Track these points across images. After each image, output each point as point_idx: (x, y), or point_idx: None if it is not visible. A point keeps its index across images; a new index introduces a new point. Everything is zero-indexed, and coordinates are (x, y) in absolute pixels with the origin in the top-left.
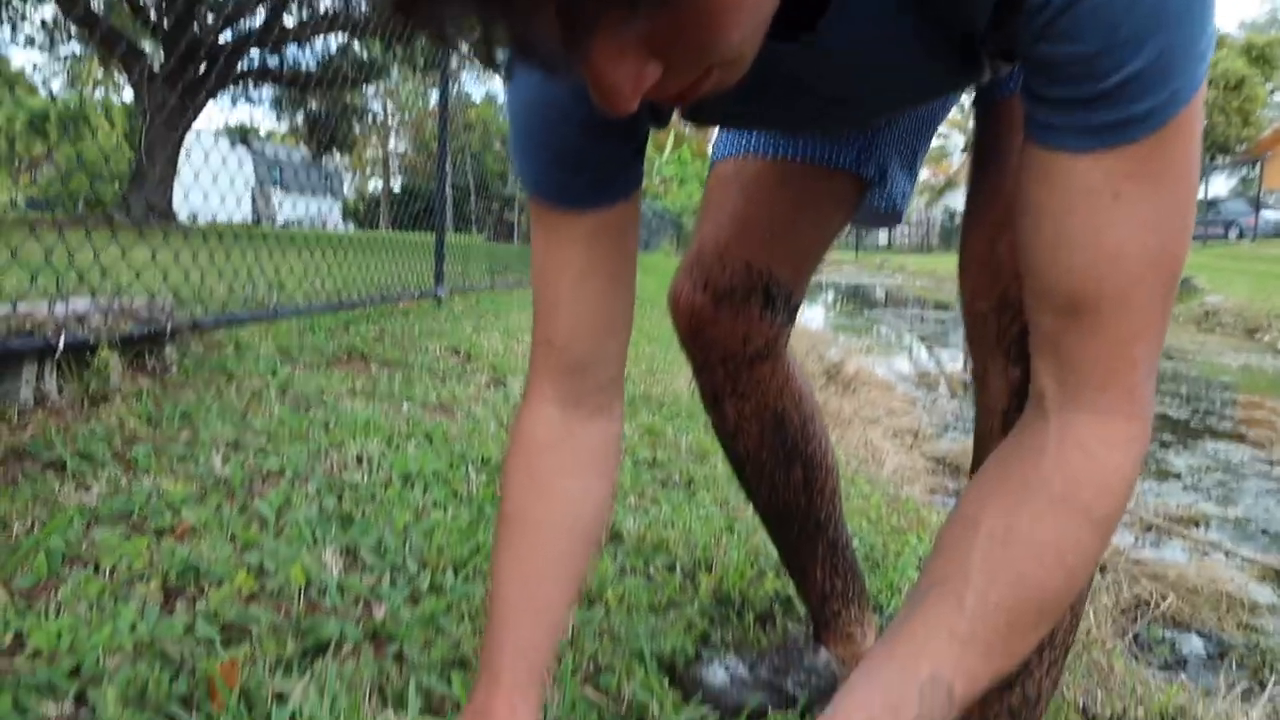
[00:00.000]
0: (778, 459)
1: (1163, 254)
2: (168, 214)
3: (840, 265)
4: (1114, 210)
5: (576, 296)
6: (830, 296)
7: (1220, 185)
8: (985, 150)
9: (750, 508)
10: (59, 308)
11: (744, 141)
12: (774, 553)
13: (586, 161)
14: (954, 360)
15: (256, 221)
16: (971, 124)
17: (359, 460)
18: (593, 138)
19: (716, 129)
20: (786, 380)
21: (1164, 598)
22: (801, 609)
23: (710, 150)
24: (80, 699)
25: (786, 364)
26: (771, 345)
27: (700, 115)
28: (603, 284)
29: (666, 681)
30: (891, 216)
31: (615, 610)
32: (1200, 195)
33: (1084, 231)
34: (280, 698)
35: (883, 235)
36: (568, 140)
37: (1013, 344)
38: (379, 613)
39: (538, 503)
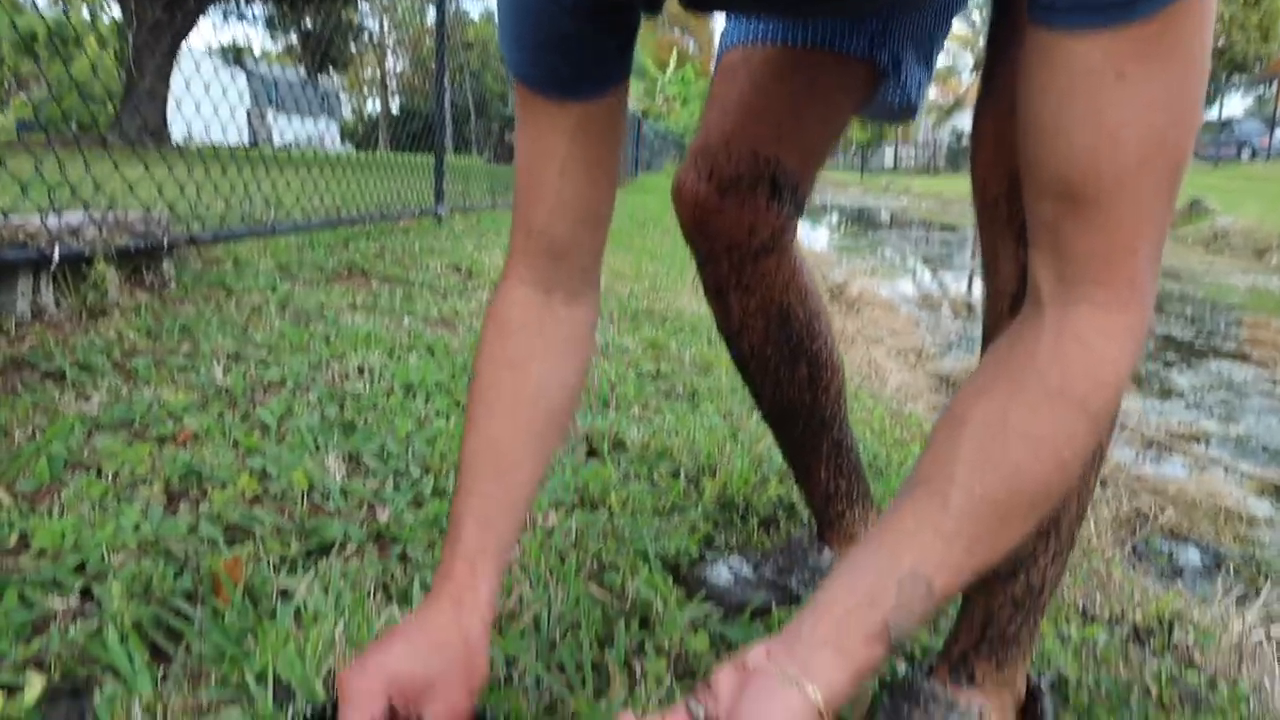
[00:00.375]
0: (782, 355)
1: (1165, 140)
2: (161, 134)
3: (845, 187)
4: (1116, 91)
5: (558, 186)
6: (834, 219)
7: (1235, 105)
8: (1002, 33)
9: (754, 418)
10: (51, 220)
11: (752, 29)
12: (778, 460)
13: (575, 48)
14: (958, 282)
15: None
16: (981, 42)
17: (360, 371)
18: (583, 22)
19: (723, 22)
20: (792, 275)
21: (1163, 510)
22: (805, 513)
23: (717, 43)
24: (86, 594)
25: (793, 259)
26: (778, 237)
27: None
28: (585, 175)
29: (670, 580)
30: (906, 111)
31: (619, 513)
32: (1214, 115)
33: (1085, 113)
34: (285, 594)
35: (888, 157)
36: (557, 24)
37: (1023, 227)
38: (383, 515)
39: (508, 378)
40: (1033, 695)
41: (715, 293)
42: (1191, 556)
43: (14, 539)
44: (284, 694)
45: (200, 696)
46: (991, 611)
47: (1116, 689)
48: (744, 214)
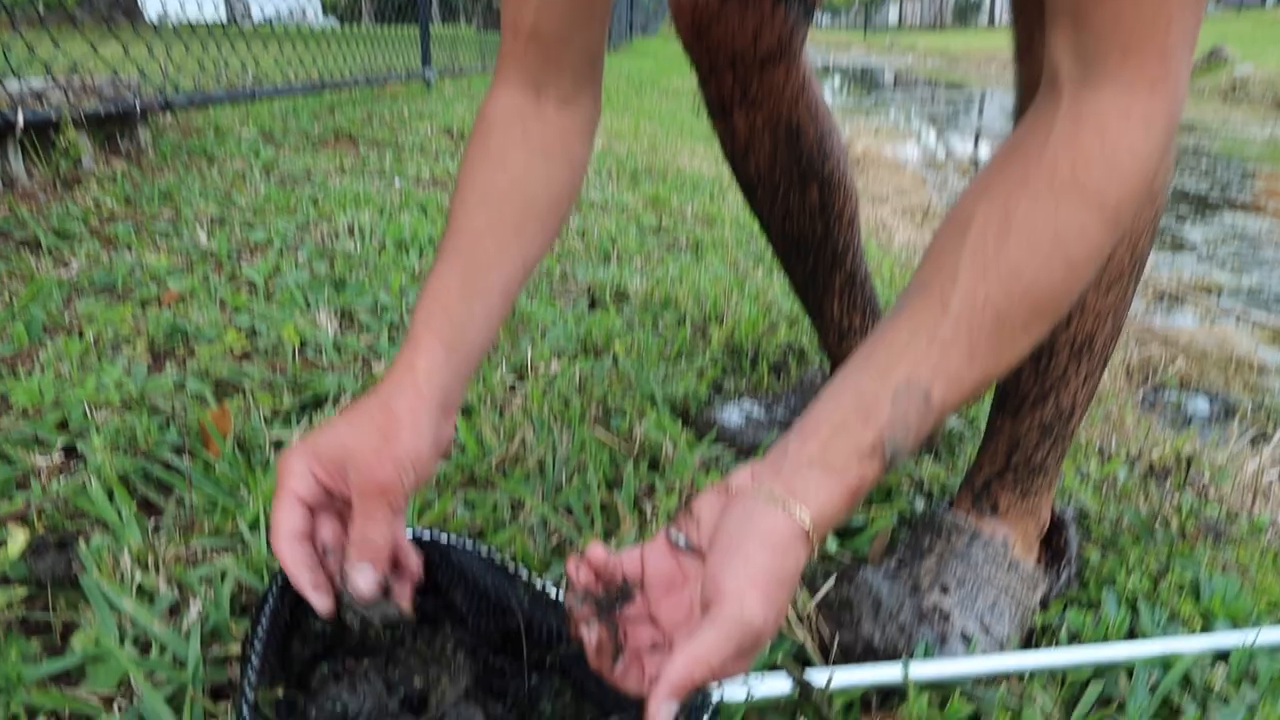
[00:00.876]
0: (792, 178)
1: None
2: (133, 12)
3: (847, 47)
4: None
5: None
6: (836, 81)
7: None
8: None
9: (760, 269)
10: (13, 84)
11: None
12: (787, 306)
13: None
14: (964, 141)
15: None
16: None
17: (350, 230)
18: None
19: None
20: (802, 88)
21: (1173, 360)
22: (818, 358)
23: None
24: (70, 451)
25: (802, 70)
26: (785, 45)
27: None
28: None
29: (680, 424)
30: None
31: (624, 360)
32: None
33: None
34: (278, 445)
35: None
36: None
37: None
38: (378, 368)
39: (484, 171)
40: (1056, 526)
41: (719, 110)
42: (1201, 405)
43: (15, 402)
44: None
45: (193, 545)
46: (1018, 438)
47: (1140, 520)
48: (748, 18)
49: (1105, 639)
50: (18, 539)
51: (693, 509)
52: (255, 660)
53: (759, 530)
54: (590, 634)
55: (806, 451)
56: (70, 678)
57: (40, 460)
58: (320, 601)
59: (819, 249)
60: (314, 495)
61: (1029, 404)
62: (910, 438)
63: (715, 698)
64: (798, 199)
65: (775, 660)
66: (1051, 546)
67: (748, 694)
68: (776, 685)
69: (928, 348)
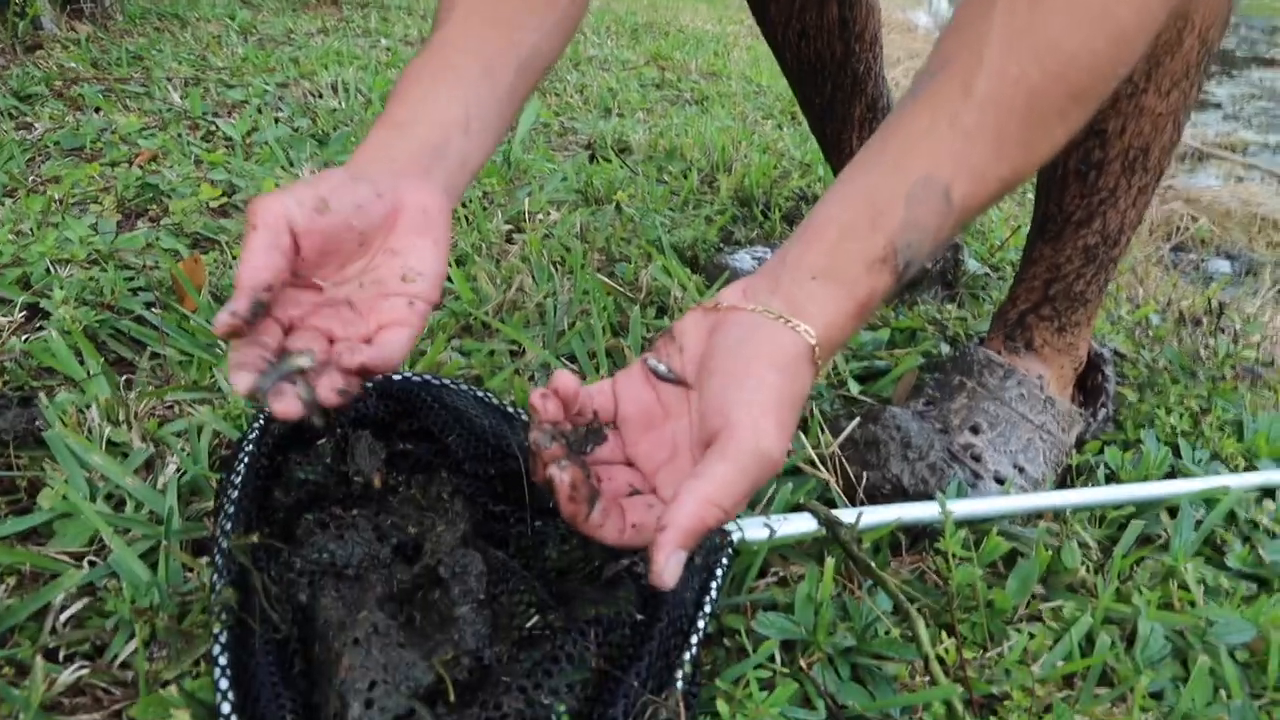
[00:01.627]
0: None
1: None
2: None
3: None
4: None
5: None
6: None
7: None
8: None
9: (770, 121)
10: None
11: None
12: (799, 154)
13: None
14: None
15: None
16: None
17: (334, 88)
18: None
19: None
20: None
21: (1195, 220)
22: None
23: None
24: (33, 309)
25: None
26: None
27: None
28: None
29: (688, 271)
30: None
31: (628, 208)
32: None
33: None
34: None
35: None
36: None
37: None
38: None
39: None
40: (1092, 364)
41: None
42: (1223, 265)
43: None
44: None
45: (167, 400)
46: (1058, 265)
47: (1178, 360)
48: None
49: (1145, 479)
50: None
51: (674, 332)
52: (230, 507)
53: (764, 351)
54: (561, 476)
55: (808, 261)
56: (39, 536)
57: (1, 319)
58: (243, 380)
59: (838, 73)
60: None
61: (1072, 226)
62: (927, 244)
63: (734, 537)
64: (815, 16)
65: (798, 499)
66: (1087, 386)
67: (770, 533)
68: (800, 525)
69: (948, 138)
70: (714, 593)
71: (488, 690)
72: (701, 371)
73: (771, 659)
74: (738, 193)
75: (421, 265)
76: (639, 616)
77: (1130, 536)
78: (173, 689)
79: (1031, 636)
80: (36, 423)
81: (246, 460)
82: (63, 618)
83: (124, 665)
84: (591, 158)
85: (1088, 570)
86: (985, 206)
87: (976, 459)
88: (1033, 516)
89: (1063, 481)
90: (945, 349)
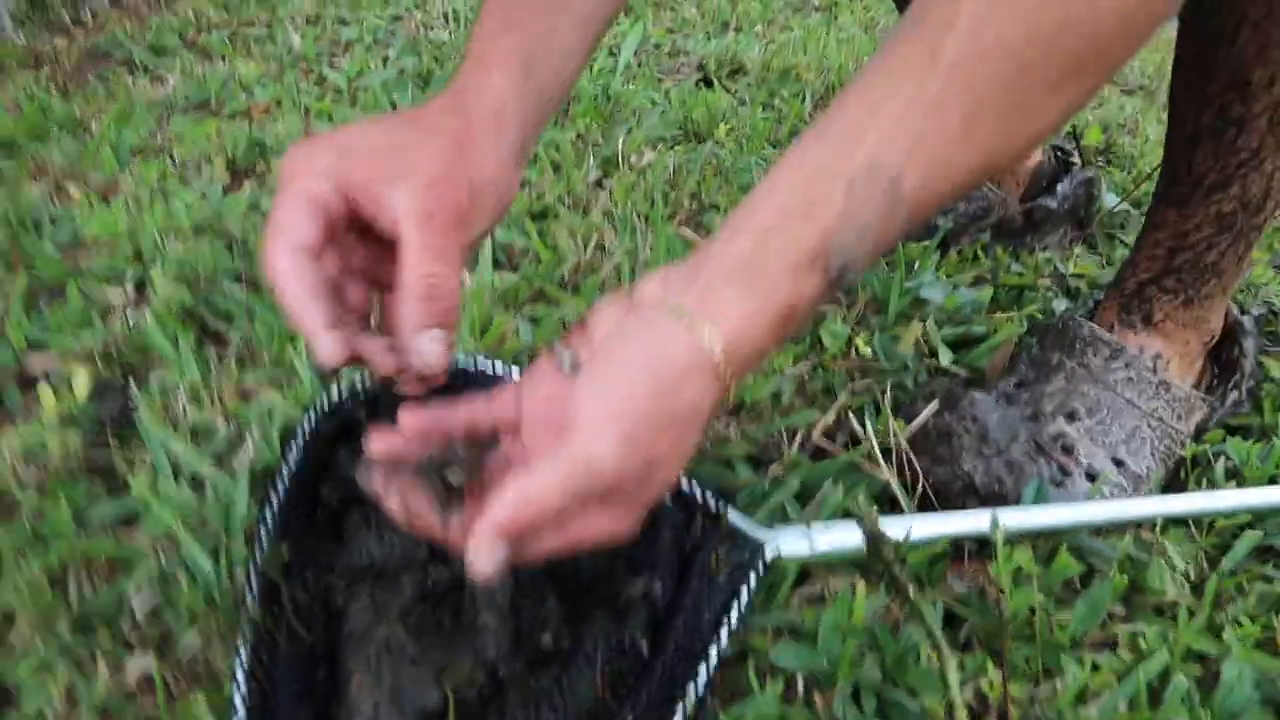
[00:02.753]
0: None
1: None
2: None
3: None
4: None
5: None
6: None
7: None
8: None
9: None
10: None
11: None
12: None
13: None
14: None
15: None
16: None
17: (445, 18)
18: None
19: None
20: None
21: None
22: None
23: None
24: (142, 285)
25: None
26: None
27: None
28: None
29: None
30: None
31: (726, 144)
32: None
33: None
34: None
35: None
36: None
37: None
38: None
39: None
40: (1229, 333)
41: None
42: None
43: (89, 233)
44: (333, 374)
45: (249, 379)
46: (1185, 233)
47: None
48: None
49: (1274, 478)
50: (82, 381)
51: (587, 322)
52: (268, 515)
53: (644, 353)
54: (390, 504)
55: (730, 254)
56: (130, 520)
57: (116, 296)
58: (330, 347)
59: None
60: (331, 211)
61: (1204, 190)
62: (868, 244)
63: (770, 553)
64: None
65: (847, 505)
66: (1221, 359)
67: (810, 547)
68: (842, 537)
69: (904, 115)
70: (733, 619)
71: (493, 715)
72: (587, 363)
73: (790, 694)
74: None
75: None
76: (643, 647)
77: (1240, 552)
78: (202, 700)
79: (1095, 669)
80: (131, 406)
81: (293, 463)
82: (138, 609)
83: (194, 658)
84: (704, 82)
85: (1182, 589)
86: (948, 199)
87: (1068, 451)
88: (1122, 525)
89: (1175, 476)
90: (1062, 306)
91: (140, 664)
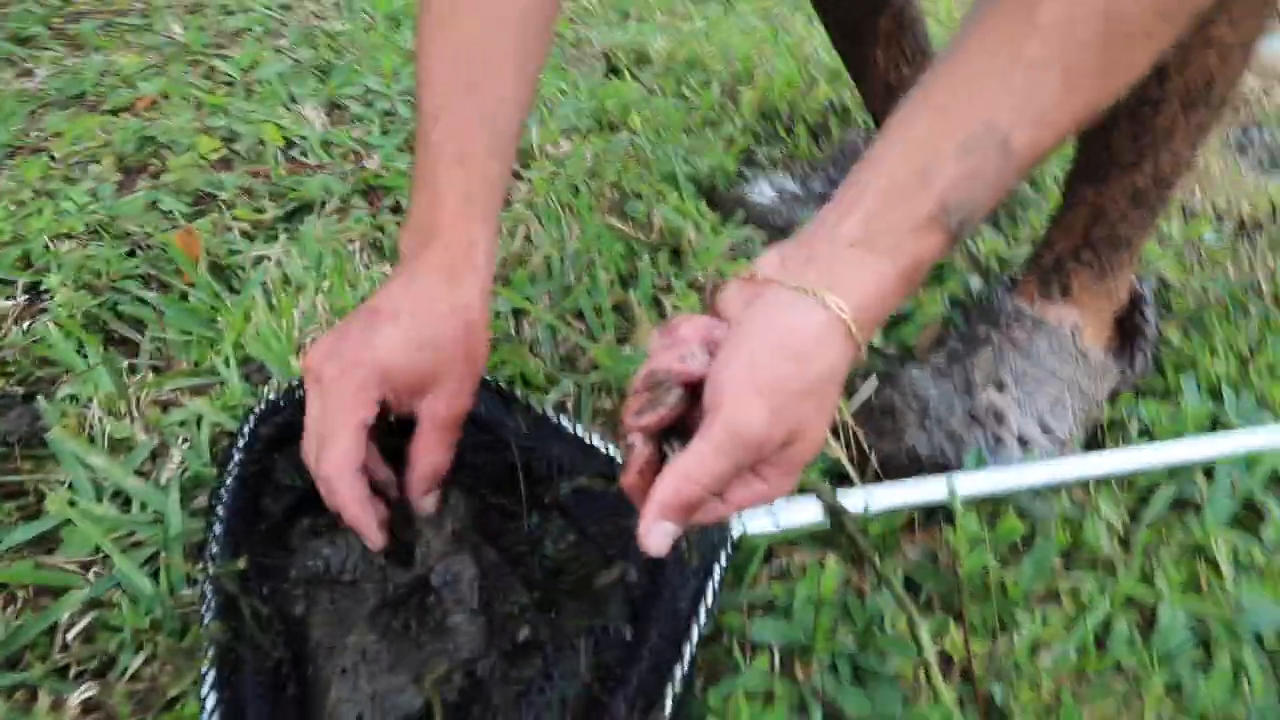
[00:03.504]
0: None
1: None
2: None
3: None
4: None
5: None
6: None
7: None
8: None
9: (799, 17)
10: None
11: None
12: (828, 60)
13: None
14: None
15: None
16: None
17: (337, 7)
18: None
19: None
20: None
21: (1268, 92)
22: (862, 116)
23: None
24: (35, 290)
25: None
26: None
27: None
28: None
29: (703, 205)
30: None
31: (642, 134)
32: None
33: None
34: (258, 261)
35: None
36: None
37: None
38: (370, 163)
39: None
40: (1133, 302)
41: None
42: None
43: None
44: (259, 375)
45: (168, 387)
46: (1101, 208)
47: (1229, 291)
48: None
49: (1182, 433)
50: None
51: (718, 306)
52: (217, 527)
53: (778, 327)
54: (640, 449)
55: (847, 228)
56: (48, 542)
57: (4, 304)
58: (380, 542)
59: None
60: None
61: (1120, 169)
62: (984, 200)
63: (736, 531)
64: None
65: (801, 482)
66: (1126, 327)
67: (774, 524)
68: (804, 513)
69: (1008, 76)
70: (709, 598)
71: (478, 711)
72: (723, 344)
73: (771, 667)
74: (760, 107)
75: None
76: (627, 635)
77: (1159, 504)
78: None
79: (1045, 623)
80: (40, 422)
81: (233, 475)
82: (71, 634)
83: (134, 677)
84: (612, 71)
85: (1112, 542)
86: (1052, 150)
87: (1000, 419)
88: (1055, 487)
89: (1093, 438)
90: (977, 284)
91: (82, 692)
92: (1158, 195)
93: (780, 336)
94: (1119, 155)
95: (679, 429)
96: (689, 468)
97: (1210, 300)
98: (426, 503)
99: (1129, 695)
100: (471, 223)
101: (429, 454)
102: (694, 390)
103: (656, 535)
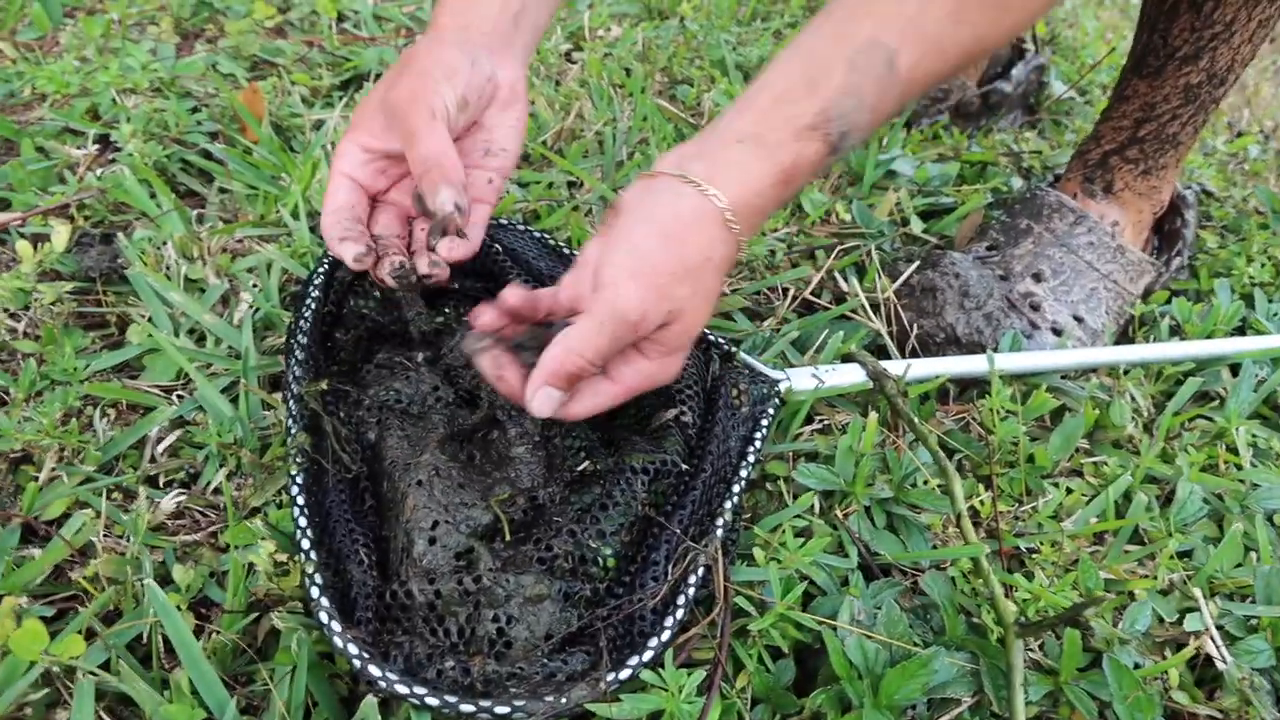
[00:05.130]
0: None
1: None
2: None
3: None
4: None
5: None
6: None
7: None
8: None
9: None
10: None
11: None
12: None
13: None
14: None
15: None
16: None
17: None
18: None
19: None
20: None
21: None
22: None
23: None
24: (104, 141)
25: None
26: None
27: None
28: None
29: None
30: None
31: (692, 21)
32: None
33: None
34: (318, 126)
35: None
36: None
37: None
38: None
39: None
40: (1173, 206)
41: None
42: None
43: (27, 90)
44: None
45: (237, 235)
46: (1153, 104)
47: (1271, 200)
48: None
49: (1212, 334)
50: (60, 233)
51: (617, 203)
52: (299, 353)
53: (655, 214)
54: (481, 361)
55: (737, 126)
56: (131, 369)
57: (76, 152)
58: (348, 249)
59: None
60: (366, 170)
61: (1176, 62)
62: (865, 113)
63: (782, 387)
64: None
65: (848, 349)
66: (1164, 230)
67: (817, 384)
68: (848, 376)
69: (903, 0)
70: (758, 443)
71: (540, 530)
72: (611, 229)
73: (811, 509)
74: (810, 3)
75: (505, 141)
76: (684, 466)
77: (1184, 394)
78: (258, 520)
79: (1069, 491)
80: (119, 259)
81: (313, 305)
82: (159, 449)
83: (216, 491)
84: None
85: (1137, 427)
86: (940, 78)
87: (1035, 308)
88: (1086, 370)
89: (1124, 333)
90: (1018, 184)
91: (173, 497)
92: (1210, 93)
93: (658, 224)
94: (1176, 49)
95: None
96: (572, 341)
97: (1250, 210)
98: (438, 196)
99: (1143, 559)
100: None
101: (410, 149)
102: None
103: (541, 398)
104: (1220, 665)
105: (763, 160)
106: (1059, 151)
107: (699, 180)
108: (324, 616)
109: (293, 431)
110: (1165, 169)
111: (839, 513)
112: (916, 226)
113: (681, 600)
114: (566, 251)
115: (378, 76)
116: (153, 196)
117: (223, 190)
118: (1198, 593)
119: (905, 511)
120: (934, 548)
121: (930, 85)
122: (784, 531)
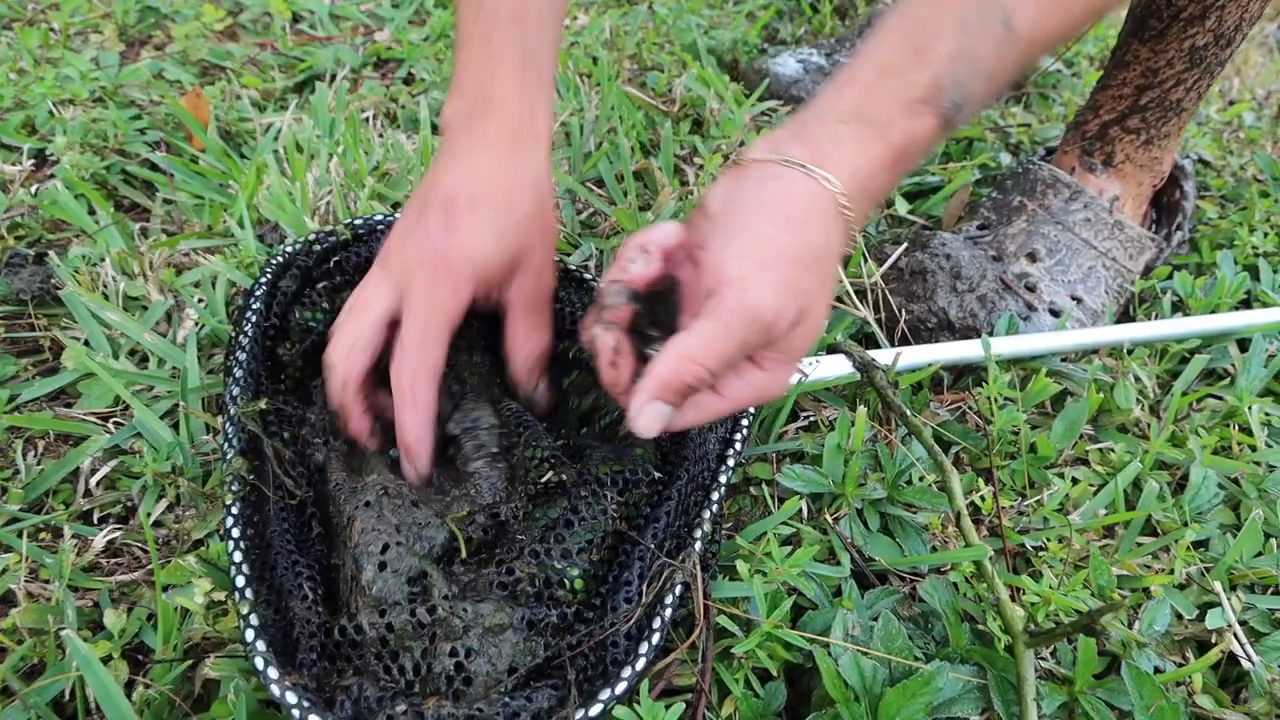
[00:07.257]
0: None
1: None
2: None
3: None
4: None
5: None
6: None
7: None
8: None
9: None
10: None
11: None
12: None
13: None
14: None
15: None
16: None
17: None
18: None
19: None
20: None
21: None
22: None
23: None
24: (41, 156)
25: None
26: None
27: None
28: None
29: (727, 78)
30: None
31: (661, 5)
32: None
33: None
34: (269, 130)
35: None
36: None
37: None
38: (381, 36)
39: None
40: (1172, 177)
41: None
42: None
43: None
44: (274, 236)
45: (181, 248)
46: (1155, 70)
47: (1271, 167)
48: None
49: (1216, 308)
50: None
51: (705, 202)
52: (237, 370)
53: (770, 202)
54: (604, 339)
55: (841, 104)
56: (66, 396)
57: (9, 168)
58: (427, 465)
59: None
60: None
61: (1180, 24)
62: (981, 81)
63: None
64: None
65: (833, 339)
66: (1163, 202)
67: (799, 378)
68: (834, 368)
69: None
70: (739, 444)
71: (502, 550)
72: (713, 229)
73: (798, 514)
74: None
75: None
76: (657, 474)
77: (1191, 373)
78: (191, 558)
79: (1075, 482)
80: (52, 280)
81: (253, 319)
82: (93, 481)
83: (157, 524)
84: None
85: (1143, 409)
86: (1064, 38)
87: (1031, 289)
88: (1087, 352)
89: (1125, 311)
90: (1006, 160)
91: (105, 535)
92: (1216, 55)
93: (772, 210)
94: (1181, 8)
95: (643, 332)
96: (690, 348)
97: (1249, 178)
98: (539, 392)
99: (1157, 551)
100: (530, 87)
101: (530, 337)
102: (651, 296)
103: (648, 415)
104: (1246, 664)
105: (872, 140)
106: (1047, 125)
107: (805, 163)
108: (260, 662)
109: (228, 456)
110: (1168, 138)
111: (829, 517)
112: (902, 207)
113: (658, 623)
114: None
115: (333, 78)
116: (91, 211)
117: (167, 201)
118: (1218, 586)
119: (900, 512)
120: (933, 550)
121: (1053, 46)
122: (769, 541)
